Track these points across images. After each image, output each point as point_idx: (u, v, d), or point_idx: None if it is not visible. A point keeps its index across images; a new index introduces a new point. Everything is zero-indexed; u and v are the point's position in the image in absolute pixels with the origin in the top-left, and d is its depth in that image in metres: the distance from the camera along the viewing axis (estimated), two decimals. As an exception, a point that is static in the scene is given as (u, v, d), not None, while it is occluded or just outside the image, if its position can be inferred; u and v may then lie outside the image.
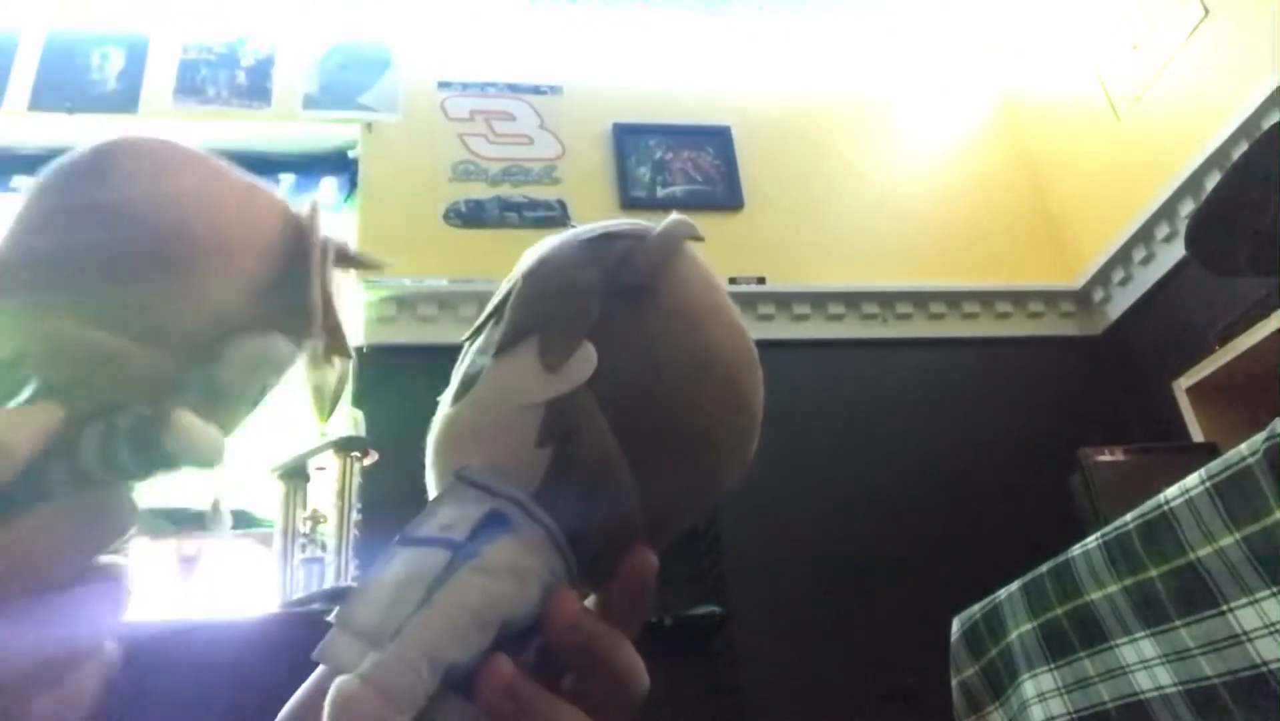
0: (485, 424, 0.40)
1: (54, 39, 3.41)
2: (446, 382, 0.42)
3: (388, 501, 2.55)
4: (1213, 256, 1.62)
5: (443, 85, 3.57)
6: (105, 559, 0.33)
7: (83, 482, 0.31)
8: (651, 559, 0.40)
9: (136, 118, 3.30)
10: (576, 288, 0.40)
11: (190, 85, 3.41)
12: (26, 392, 0.32)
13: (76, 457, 0.31)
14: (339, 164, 3.48)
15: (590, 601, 0.40)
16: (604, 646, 0.38)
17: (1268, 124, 2.66)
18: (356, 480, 2.33)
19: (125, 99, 3.32)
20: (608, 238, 0.43)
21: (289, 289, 0.36)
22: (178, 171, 0.37)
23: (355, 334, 0.42)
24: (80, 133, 3.16)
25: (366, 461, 2.37)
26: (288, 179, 3.44)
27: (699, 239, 0.44)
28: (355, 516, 2.34)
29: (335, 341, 0.39)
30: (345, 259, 0.42)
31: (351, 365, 0.41)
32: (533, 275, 0.42)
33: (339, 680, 0.30)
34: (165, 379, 0.33)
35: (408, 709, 0.30)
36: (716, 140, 3.61)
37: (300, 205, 0.40)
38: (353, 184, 3.40)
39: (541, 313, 0.40)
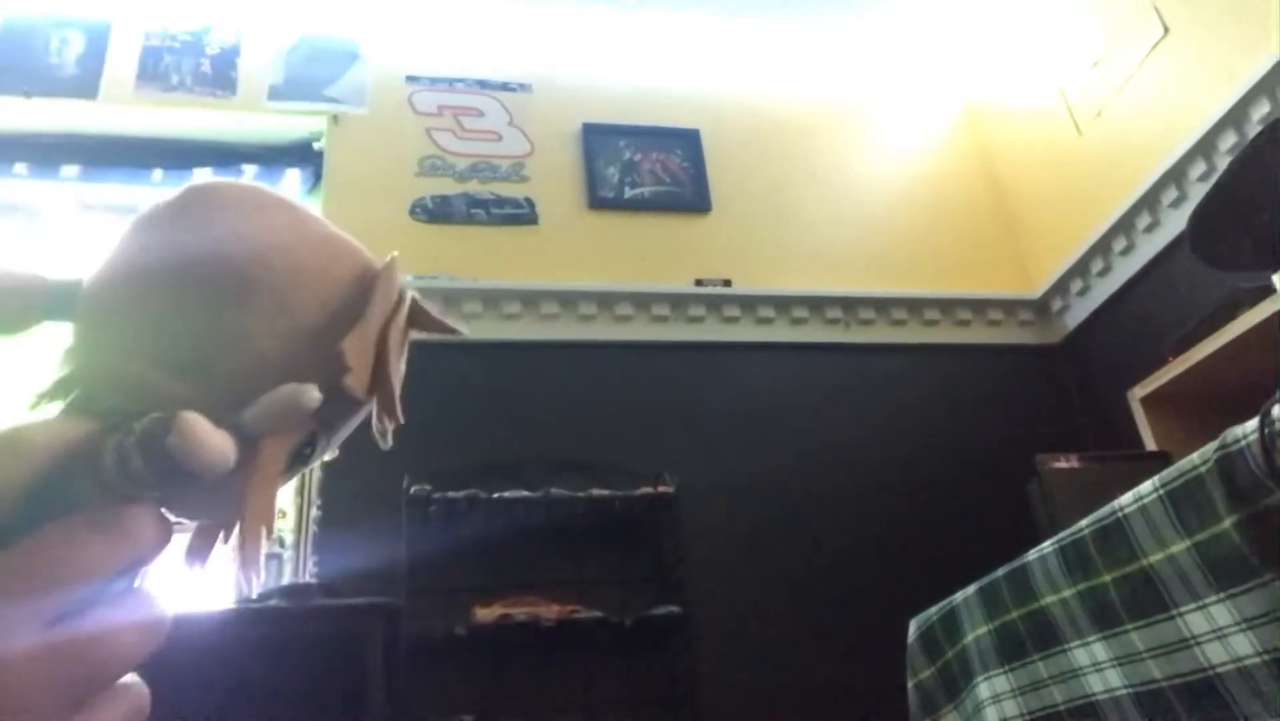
0: None
1: (11, 22, 3.33)
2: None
3: (347, 498, 2.53)
4: (1214, 250, 1.64)
5: (410, 79, 3.54)
6: (144, 587, 0.33)
7: (107, 494, 0.31)
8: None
9: (96, 104, 3.24)
10: None
11: (153, 72, 3.36)
12: (63, 404, 0.34)
13: (101, 469, 0.31)
14: (304, 156, 3.44)
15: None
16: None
17: (1223, 142, 2.73)
18: (317, 476, 2.30)
19: (84, 84, 3.26)
20: None
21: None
22: (252, 216, 0.37)
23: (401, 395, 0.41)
24: (38, 116, 3.07)
25: (327, 457, 2.34)
26: (251, 170, 3.40)
27: None
28: (315, 513, 2.32)
29: (383, 400, 0.39)
30: (419, 320, 0.41)
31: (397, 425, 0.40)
32: None
33: None
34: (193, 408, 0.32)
35: None
36: (685, 143, 3.62)
37: (378, 260, 0.40)
38: (317, 177, 3.36)
39: None
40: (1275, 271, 1.74)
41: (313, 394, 0.34)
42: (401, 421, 0.40)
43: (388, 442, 0.40)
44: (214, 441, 0.31)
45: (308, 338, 0.35)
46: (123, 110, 3.29)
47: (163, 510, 0.34)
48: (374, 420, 0.40)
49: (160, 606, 0.33)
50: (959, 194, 3.79)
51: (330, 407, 0.37)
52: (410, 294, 0.40)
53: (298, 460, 0.38)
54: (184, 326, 0.34)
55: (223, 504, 0.35)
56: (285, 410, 0.34)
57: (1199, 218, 1.63)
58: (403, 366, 0.41)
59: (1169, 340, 2.61)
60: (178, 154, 3.36)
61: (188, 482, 0.32)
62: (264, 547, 0.36)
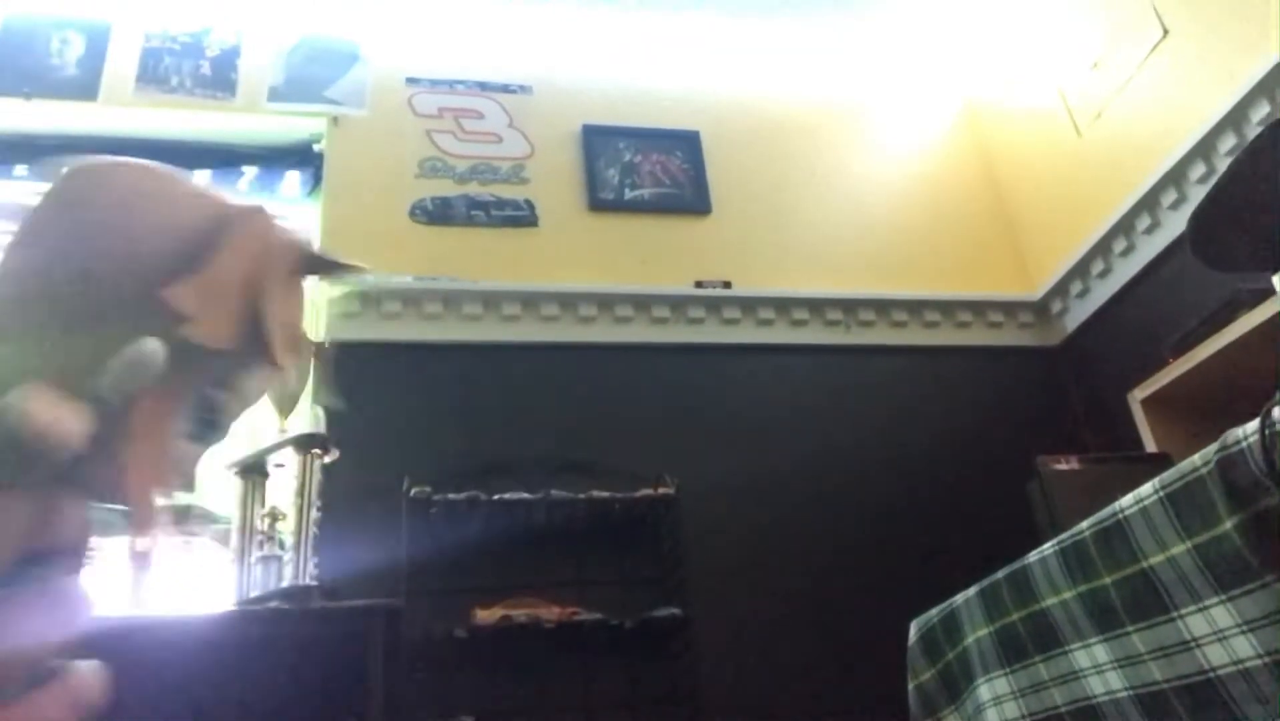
0: None
1: (11, 23, 3.33)
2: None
3: (349, 499, 2.53)
4: (1214, 251, 1.64)
5: (411, 81, 3.54)
6: (60, 578, 0.33)
7: None
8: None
9: (96, 105, 3.24)
10: None
11: (153, 74, 3.36)
12: None
13: None
14: (304, 157, 3.44)
15: None
16: None
17: (1223, 144, 2.73)
18: (317, 477, 2.30)
19: (85, 86, 3.26)
20: None
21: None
22: (97, 191, 0.38)
23: (296, 343, 0.39)
24: (38, 118, 3.06)
25: (327, 458, 2.34)
26: (251, 172, 3.40)
27: None
28: (315, 514, 2.31)
29: (263, 348, 0.38)
30: (315, 266, 0.41)
31: (301, 368, 0.39)
32: None
33: None
34: (60, 383, 0.33)
35: None
36: (685, 144, 3.62)
37: (246, 205, 0.39)
38: (318, 178, 3.36)
39: None
40: (1275, 272, 1.75)
41: (148, 347, 0.34)
42: (284, 368, 0.39)
43: (287, 411, 0.40)
44: (53, 413, 0.32)
45: (148, 293, 0.36)
46: (123, 112, 3.29)
47: (75, 496, 0.34)
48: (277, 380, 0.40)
49: (75, 595, 0.32)
50: (959, 195, 3.79)
51: (212, 364, 0.37)
52: (297, 239, 0.40)
53: (206, 427, 0.38)
54: (39, 311, 0.35)
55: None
56: (131, 368, 0.34)
57: (1199, 219, 1.63)
58: (298, 313, 0.41)
59: (1169, 341, 2.61)
60: (177, 155, 3.35)
61: (56, 460, 0.32)
62: (156, 507, 0.36)
